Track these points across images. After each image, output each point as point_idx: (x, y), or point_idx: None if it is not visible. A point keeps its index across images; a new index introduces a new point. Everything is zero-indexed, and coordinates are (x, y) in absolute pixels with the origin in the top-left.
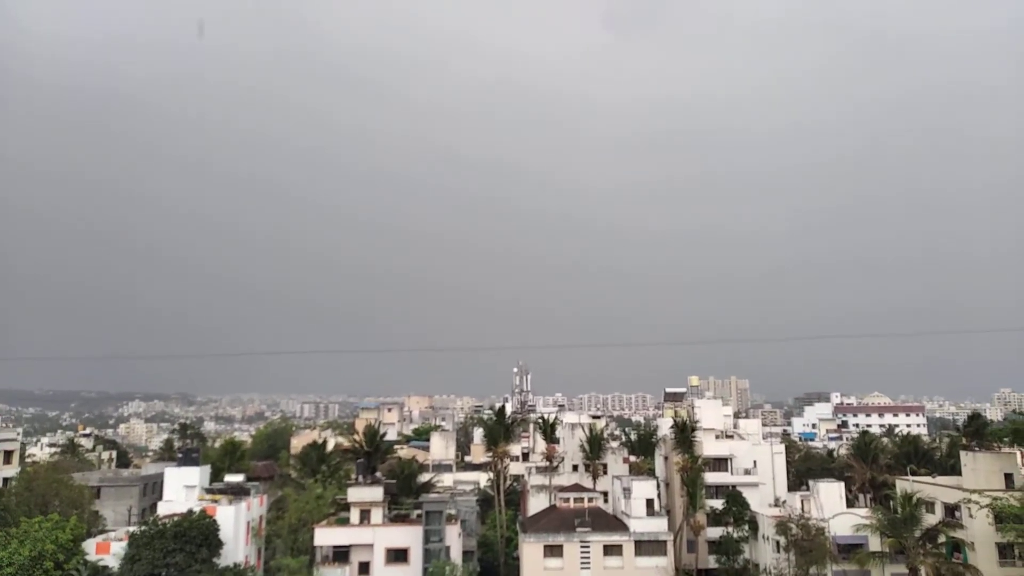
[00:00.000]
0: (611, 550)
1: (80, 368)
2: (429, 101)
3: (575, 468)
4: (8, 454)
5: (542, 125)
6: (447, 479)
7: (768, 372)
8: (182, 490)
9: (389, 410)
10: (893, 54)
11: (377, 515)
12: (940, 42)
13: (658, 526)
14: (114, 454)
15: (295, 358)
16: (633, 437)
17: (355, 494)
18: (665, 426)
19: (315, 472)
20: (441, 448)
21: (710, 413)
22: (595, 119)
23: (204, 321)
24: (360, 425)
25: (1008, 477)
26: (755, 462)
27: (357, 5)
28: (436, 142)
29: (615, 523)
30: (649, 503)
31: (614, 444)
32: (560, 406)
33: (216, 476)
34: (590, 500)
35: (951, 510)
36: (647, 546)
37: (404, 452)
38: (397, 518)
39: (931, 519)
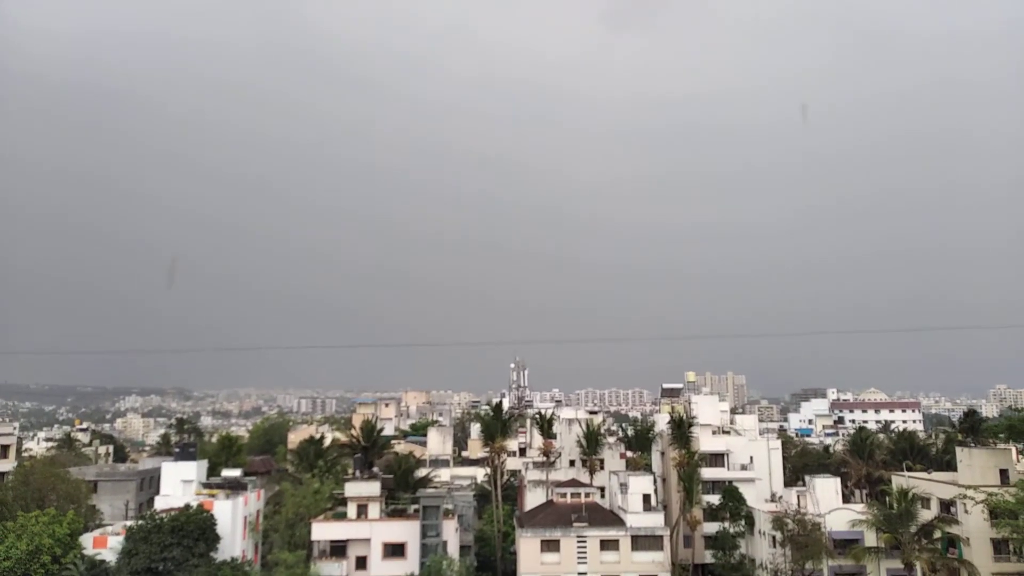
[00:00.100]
0: (608, 545)
1: (77, 363)
2: (426, 97)
3: (572, 463)
4: (5, 448)
5: (540, 121)
6: (444, 474)
7: (765, 368)
8: (179, 485)
9: (386, 405)
10: (891, 51)
11: (374, 510)
12: (940, 39)
13: (655, 521)
14: (111, 449)
15: (292, 353)
16: (630, 432)
17: (352, 489)
18: (662, 422)
19: (312, 467)
20: (438, 443)
21: (707, 409)
22: (594, 115)
23: (201, 317)
24: (357, 420)
25: (1003, 473)
26: (752, 458)
27: (355, 2)
28: (433, 138)
29: (612, 518)
30: (646, 498)
31: (611, 439)
32: (557, 401)
33: (213, 471)
34: (587, 495)
35: (947, 506)
36: (644, 541)
37: (401, 447)
38: (394, 513)
39: (927, 515)
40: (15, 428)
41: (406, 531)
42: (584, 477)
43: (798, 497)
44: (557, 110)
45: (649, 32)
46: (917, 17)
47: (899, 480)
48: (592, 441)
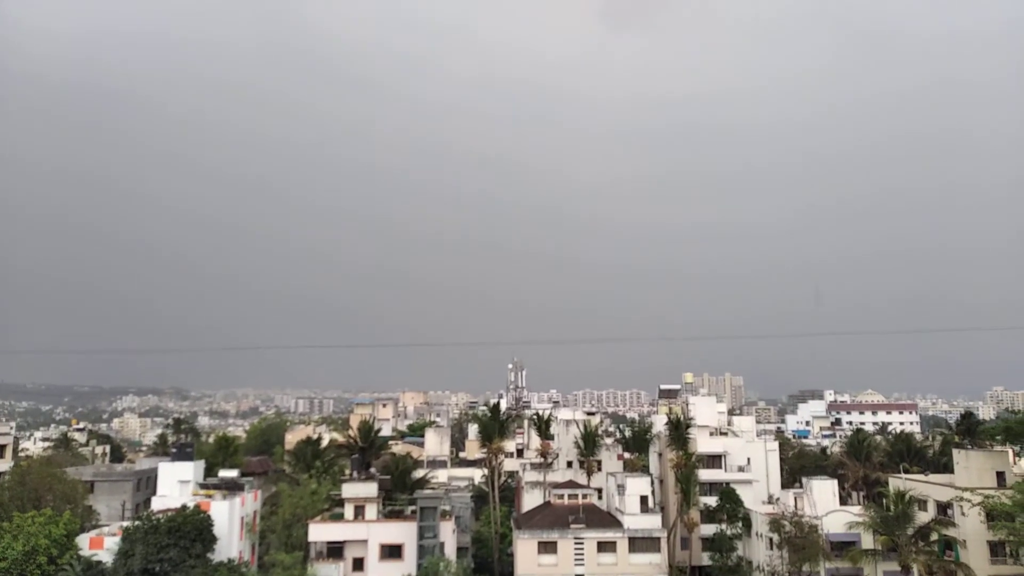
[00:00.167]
0: (605, 547)
1: (74, 362)
2: (426, 97)
3: (569, 465)
4: (1, 448)
5: (540, 121)
6: (441, 475)
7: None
8: (176, 485)
9: (384, 406)
10: (891, 51)
11: (371, 511)
12: (940, 39)
13: (652, 523)
14: (108, 449)
15: (289, 353)
16: (628, 434)
17: (349, 490)
18: (660, 423)
19: (309, 468)
20: (436, 444)
21: (704, 410)
22: (594, 115)
23: (199, 316)
24: (355, 421)
25: (1000, 475)
26: (749, 459)
27: (355, 2)
28: (433, 138)
29: (609, 520)
30: (643, 500)
31: (608, 441)
32: (555, 402)
33: (210, 471)
34: (584, 497)
35: (943, 508)
36: (641, 543)
37: (399, 448)
38: (391, 514)
39: (923, 517)
40: (11, 428)
41: (403, 532)
42: (581, 478)
43: (795, 499)
44: (557, 110)
45: (649, 32)
46: (917, 17)
47: (896, 482)
48: (590, 442)
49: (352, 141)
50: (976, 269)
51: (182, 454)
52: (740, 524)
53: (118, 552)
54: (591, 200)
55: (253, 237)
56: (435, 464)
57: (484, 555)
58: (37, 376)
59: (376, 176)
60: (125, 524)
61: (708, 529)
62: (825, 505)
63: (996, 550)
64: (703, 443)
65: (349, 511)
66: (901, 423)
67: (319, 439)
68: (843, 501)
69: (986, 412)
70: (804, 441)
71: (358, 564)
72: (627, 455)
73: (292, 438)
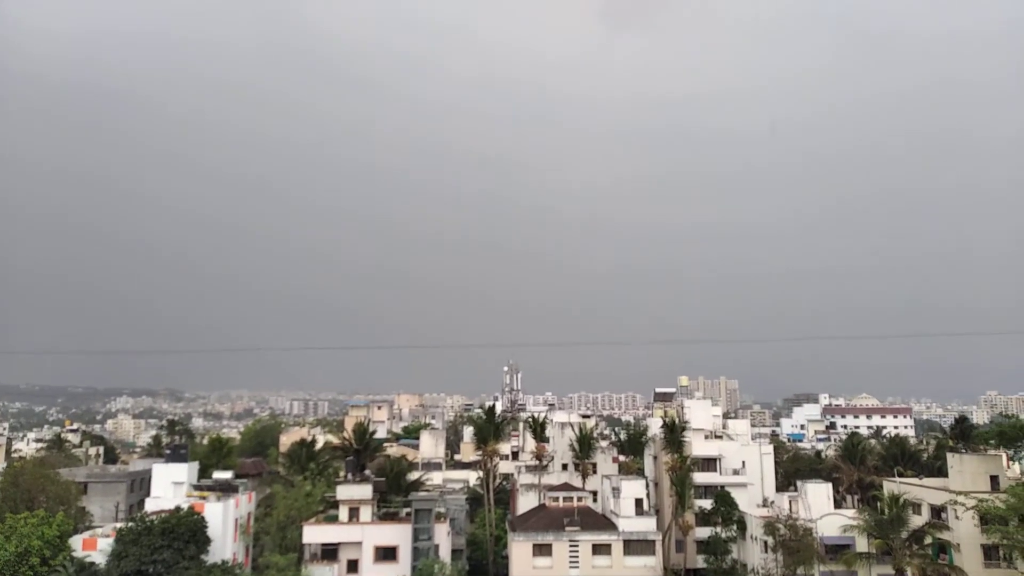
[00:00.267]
0: (600, 549)
1: (67, 363)
2: (426, 97)
3: (564, 467)
4: None
5: (539, 122)
6: (436, 477)
7: (757, 373)
8: (170, 487)
9: (379, 408)
10: (891, 51)
11: (366, 513)
12: (940, 39)
13: (647, 526)
14: (101, 450)
15: (284, 355)
16: (623, 437)
17: (344, 492)
18: (655, 426)
19: (304, 469)
20: (431, 446)
21: (699, 413)
22: (594, 115)
23: (194, 317)
24: (349, 423)
25: (994, 479)
26: (744, 462)
27: (355, 2)
28: (433, 138)
29: (604, 522)
30: (638, 503)
31: (604, 443)
32: (550, 405)
33: (204, 473)
34: (579, 499)
35: (937, 511)
36: (636, 545)
37: (393, 450)
38: (386, 516)
39: (917, 520)
40: (5, 429)
41: (398, 534)
42: (576, 481)
43: (790, 502)
44: (557, 110)
45: (649, 32)
46: (917, 17)
47: (890, 486)
48: (585, 445)
49: (352, 141)
50: (973, 272)
51: (176, 455)
52: (735, 527)
53: (111, 553)
54: (591, 200)
55: (252, 237)
56: (430, 466)
57: (479, 557)
58: (31, 377)
59: (376, 176)
60: (119, 525)
61: (703, 532)
62: (819, 508)
63: (990, 554)
64: (698, 446)
65: (344, 513)
66: (895, 427)
67: (314, 441)
68: (837, 504)
69: (980, 416)
70: (799, 444)
71: (352, 566)
72: (622, 458)
73: (286, 440)
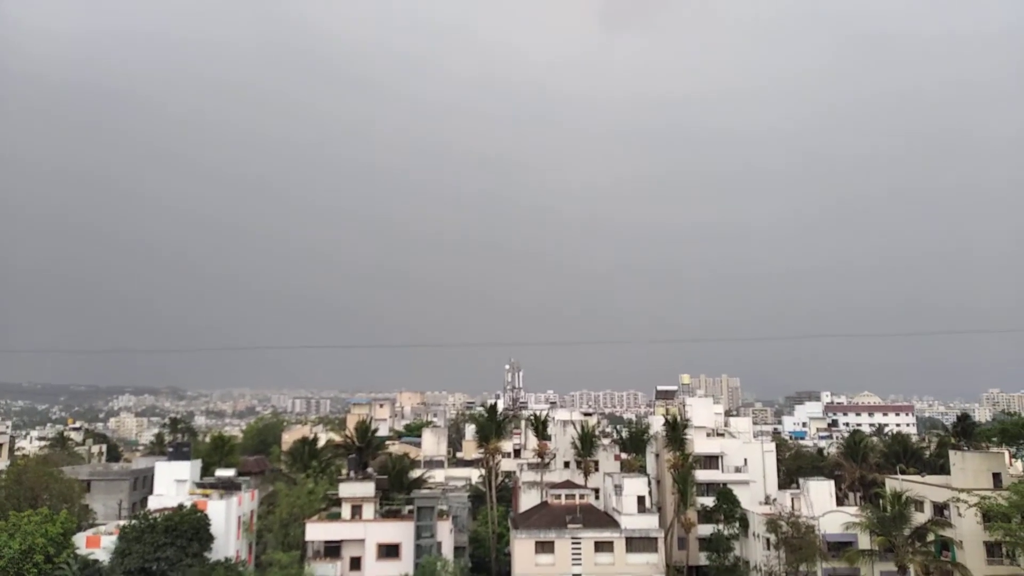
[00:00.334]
0: (602, 546)
1: (70, 362)
2: (426, 97)
3: (567, 465)
4: None
5: (540, 121)
6: (439, 475)
7: (759, 371)
8: (173, 484)
9: (381, 406)
10: (892, 51)
11: (368, 510)
12: (940, 40)
13: (649, 523)
14: (104, 448)
15: (287, 353)
16: (625, 434)
17: (346, 489)
18: (657, 424)
19: (306, 467)
20: (433, 444)
21: (701, 411)
22: (594, 115)
23: (196, 316)
24: (352, 421)
25: (996, 476)
26: (746, 460)
27: (355, 2)
28: (433, 138)
29: (606, 520)
30: (640, 500)
31: (605, 441)
32: (552, 403)
33: (206, 471)
34: (581, 497)
35: (940, 509)
36: (638, 543)
37: (396, 448)
38: (388, 514)
39: (920, 518)
40: (8, 427)
41: (400, 532)
42: (579, 479)
43: (792, 499)
44: (557, 110)
45: (649, 32)
46: (917, 18)
47: (893, 483)
48: (587, 443)
49: (352, 141)
50: (974, 271)
51: (179, 453)
52: (737, 524)
53: (115, 551)
54: (591, 200)
55: (253, 237)
56: (432, 464)
57: (481, 555)
58: (33, 375)
59: (376, 176)
60: (122, 523)
61: (705, 529)
62: (822, 506)
63: (992, 551)
64: (700, 444)
65: (346, 511)
66: (897, 424)
67: (316, 439)
68: (840, 502)
69: (982, 414)
70: (801, 442)
71: (355, 563)
72: (624, 456)
73: (289, 438)
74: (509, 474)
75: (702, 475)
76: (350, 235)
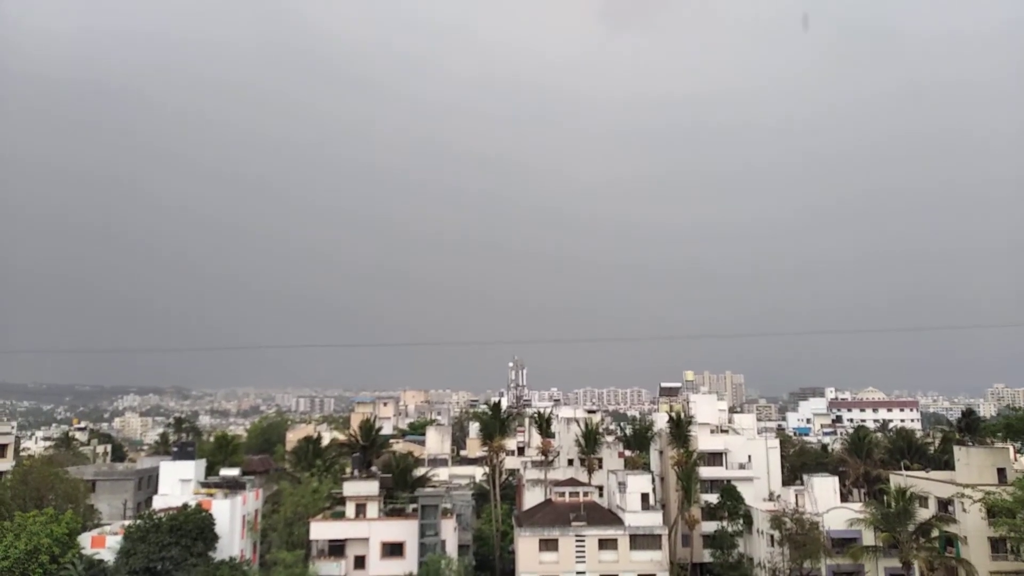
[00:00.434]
0: (606, 544)
1: (75, 362)
2: (426, 97)
3: (570, 462)
4: (3, 448)
5: (540, 121)
6: (443, 473)
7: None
8: (177, 484)
9: (385, 404)
10: (891, 51)
11: (373, 509)
12: (940, 39)
13: (653, 520)
14: (109, 448)
15: (290, 352)
16: (628, 432)
17: (351, 488)
18: (660, 421)
19: (310, 466)
20: (437, 442)
21: (705, 408)
22: (594, 115)
23: (200, 316)
24: (356, 419)
25: (1001, 472)
26: (750, 457)
27: (355, 2)
28: (433, 138)
29: (610, 517)
30: (644, 497)
31: (609, 439)
32: (555, 400)
33: (211, 470)
34: (585, 494)
35: (944, 505)
36: (642, 540)
37: (400, 446)
38: (393, 512)
39: (924, 514)
40: (13, 427)
41: (404, 530)
42: (582, 476)
43: (796, 496)
44: (557, 110)
45: (649, 32)
46: (917, 17)
47: (897, 479)
48: (590, 440)
49: (352, 141)
50: (976, 268)
51: (183, 453)
52: (741, 521)
53: (120, 551)
54: (591, 200)
55: (253, 237)
56: (436, 462)
57: (485, 553)
58: (38, 376)
59: (376, 176)
60: (127, 523)
61: (709, 526)
62: (826, 502)
63: (997, 546)
64: (704, 441)
65: (350, 509)
66: (902, 420)
67: (320, 438)
68: (844, 498)
69: (987, 409)
70: (805, 438)
71: (359, 562)
72: (628, 453)
73: (293, 437)
74: (513, 472)
75: (706, 472)
76: (350, 235)
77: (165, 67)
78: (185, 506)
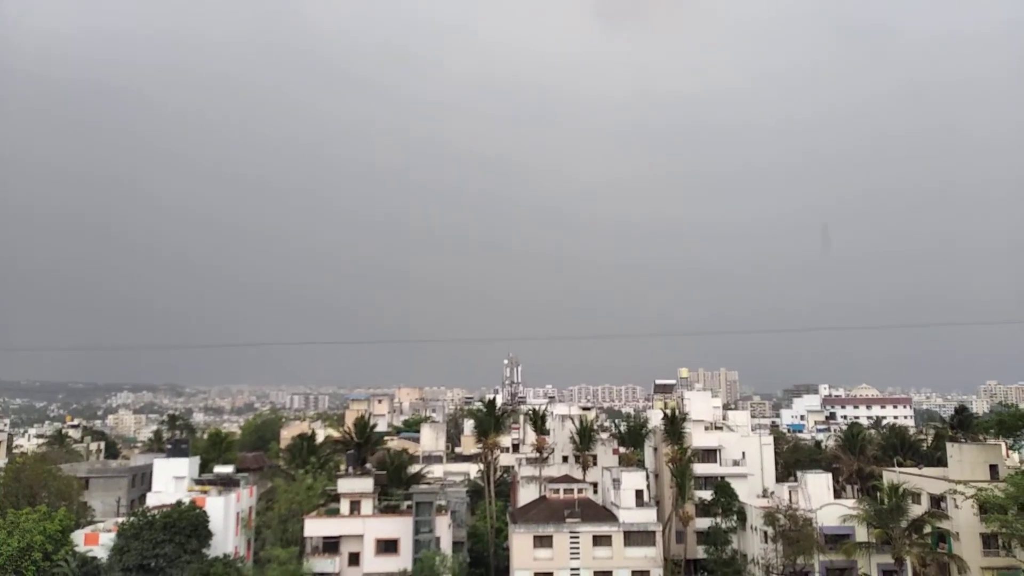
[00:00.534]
0: (600, 540)
1: (68, 359)
2: (426, 97)
3: (565, 459)
4: None
5: (540, 121)
6: (437, 470)
7: (757, 364)
8: (171, 481)
9: (379, 401)
10: (891, 50)
11: (367, 506)
12: (940, 39)
13: (647, 517)
14: (102, 445)
15: (285, 350)
16: (623, 428)
17: (345, 485)
18: (655, 418)
19: (305, 463)
20: (431, 439)
21: (699, 405)
22: (593, 115)
23: (194, 313)
24: (350, 416)
25: (993, 468)
26: (744, 453)
27: (355, 1)
28: (433, 138)
29: (604, 514)
30: (638, 494)
31: (604, 435)
32: (550, 397)
33: (205, 467)
34: (580, 491)
35: (937, 501)
36: (636, 536)
37: (394, 443)
38: (387, 509)
39: (917, 510)
40: (6, 424)
41: (399, 527)
42: (577, 473)
43: (790, 492)
44: (557, 110)
45: (649, 32)
46: (917, 17)
47: (890, 475)
48: (585, 437)
49: (351, 140)
50: (971, 267)
51: (177, 450)
52: (735, 518)
53: (113, 548)
54: (591, 200)
55: (251, 235)
56: (431, 459)
57: (480, 549)
58: (31, 373)
59: (376, 175)
60: (120, 520)
61: (703, 523)
62: (819, 499)
63: (989, 542)
64: (698, 437)
65: (345, 506)
66: (895, 417)
67: (314, 435)
68: (837, 495)
69: (979, 406)
70: (799, 435)
71: (354, 559)
72: (622, 450)
73: (287, 434)
74: (507, 469)
75: (700, 468)
76: (350, 234)
77: (165, 67)
78: (179, 503)
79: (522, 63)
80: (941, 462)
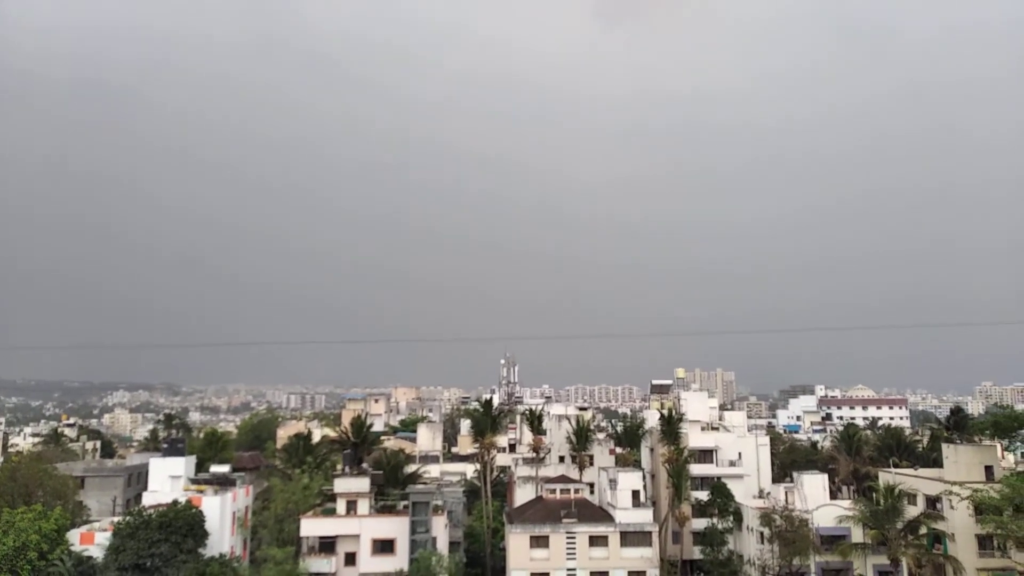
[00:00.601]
0: (597, 541)
1: (64, 358)
2: (426, 96)
3: (562, 459)
4: None
5: (540, 121)
6: (434, 470)
7: (754, 365)
8: (167, 480)
9: (376, 401)
10: (891, 50)
11: (363, 506)
12: (939, 39)
13: (644, 517)
14: (98, 444)
15: (282, 349)
16: (619, 429)
17: (341, 485)
18: (652, 418)
19: (301, 463)
20: (428, 439)
21: (696, 405)
22: (593, 114)
23: (191, 312)
24: (347, 416)
25: (988, 469)
26: (740, 454)
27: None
28: (433, 137)
29: (601, 514)
30: (635, 494)
31: (600, 436)
32: (547, 398)
33: (201, 467)
34: (576, 491)
35: (932, 502)
36: (632, 537)
37: (391, 443)
38: (383, 509)
39: (913, 511)
40: (1, 424)
41: (395, 527)
42: (573, 473)
43: (786, 493)
44: (557, 109)
45: (649, 31)
46: (917, 16)
47: (886, 476)
48: (582, 437)
49: (351, 140)
50: (971, 267)
51: (173, 449)
52: (731, 518)
53: (109, 547)
54: (591, 199)
55: (251, 235)
56: (427, 459)
57: (476, 549)
58: (27, 372)
59: (375, 175)
60: (116, 519)
61: (699, 523)
62: (815, 499)
63: (984, 543)
64: (695, 438)
65: (341, 506)
66: (891, 418)
67: (311, 434)
68: (833, 495)
69: (975, 407)
70: (795, 436)
71: (350, 559)
72: (619, 450)
73: (284, 433)
74: (504, 469)
75: (696, 469)
76: (349, 233)
77: (165, 66)
78: (175, 503)
79: (522, 63)
80: (937, 463)
